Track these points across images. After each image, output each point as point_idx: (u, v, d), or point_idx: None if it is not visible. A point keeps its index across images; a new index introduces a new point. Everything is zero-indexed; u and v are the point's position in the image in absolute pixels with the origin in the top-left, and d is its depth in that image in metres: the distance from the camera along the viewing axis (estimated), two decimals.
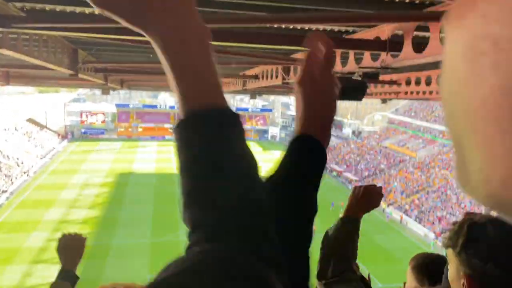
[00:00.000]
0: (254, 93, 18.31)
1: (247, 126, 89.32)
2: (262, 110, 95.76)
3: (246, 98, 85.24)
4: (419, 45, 6.23)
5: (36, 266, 28.35)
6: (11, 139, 60.82)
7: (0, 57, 10.70)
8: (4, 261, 28.91)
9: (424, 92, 15.83)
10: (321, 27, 7.14)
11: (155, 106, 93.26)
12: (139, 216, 38.45)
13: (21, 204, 40.95)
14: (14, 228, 34.64)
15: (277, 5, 5.39)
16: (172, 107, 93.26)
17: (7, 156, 54.34)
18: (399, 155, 59.23)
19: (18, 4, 6.23)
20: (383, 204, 45.76)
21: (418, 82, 12.55)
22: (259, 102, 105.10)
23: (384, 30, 6.44)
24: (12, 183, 47.10)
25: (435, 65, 9.48)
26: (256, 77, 14.25)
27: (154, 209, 40.60)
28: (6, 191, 44.51)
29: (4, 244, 31.53)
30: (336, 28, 7.28)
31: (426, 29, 6.18)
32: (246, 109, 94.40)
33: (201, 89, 0.60)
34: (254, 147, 79.16)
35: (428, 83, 12.21)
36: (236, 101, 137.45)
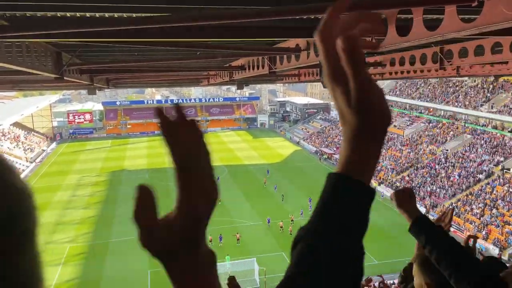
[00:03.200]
0: (241, 83, 18.30)
1: (235, 115, 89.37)
2: (250, 98, 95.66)
3: (233, 87, 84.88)
4: (403, 28, 6.31)
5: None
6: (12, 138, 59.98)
7: None
8: None
9: (408, 72, 16.01)
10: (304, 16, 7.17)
11: (142, 102, 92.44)
12: None
13: None
14: None
15: None
16: (159, 101, 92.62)
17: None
18: (387, 134, 59.77)
19: None
20: (374, 182, 46.37)
21: (402, 63, 12.67)
22: (246, 91, 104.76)
23: None
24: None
25: (418, 45, 9.58)
26: (242, 67, 14.25)
27: None
28: None
29: None
30: (319, 15, 7.32)
31: (409, 11, 6.25)
32: (234, 99, 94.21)
33: None
34: (244, 136, 79.24)
35: (412, 62, 12.35)
36: (222, 91, 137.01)
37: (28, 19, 6.57)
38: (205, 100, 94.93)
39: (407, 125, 59.06)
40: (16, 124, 68.61)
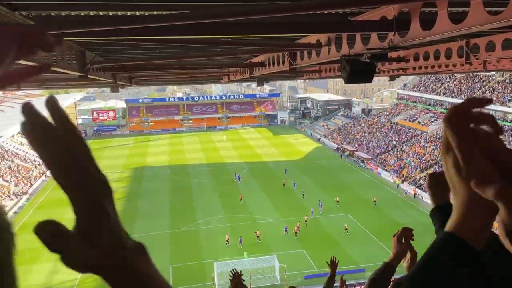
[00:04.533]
0: (261, 80, 18.24)
1: (256, 112, 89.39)
2: (270, 95, 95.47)
3: (253, 84, 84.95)
4: (427, 22, 6.15)
5: (60, 264, 29.11)
6: (27, 142, 61.74)
7: None
8: (30, 260, 29.72)
9: (432, 66, 15.62)
10: (326, 10, 7.08)
11: (164, 99, 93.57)
12: (156, 208, 39.07)
13: (41, 205, 41.86)
14: None
15: None
16: (180, 99, 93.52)
17: (25, 159, 55.32)
18: (411, 130, 58.73)
19: (24, 12, 6.31)
20: (397, 180, 45.65)
21: (426, 57, 12.36)
22: (266, 87, 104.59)
23: (390, 10, 6.37)
24: (31, 185, 48.06)
25: (443, 39, 9.35)
26: (262, 64, 14.20)
27: (170, 200, 41.17)
28: (26, 193, 45.48)
29: (29, 244, 32.30)
30: (340, 10, 7.22)
31: (433, 4, 6.09)
32: (254, 95, 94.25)
33: None
34: (265, 133, 79.19)
35: (436, 57, 12.04)
36: (243, 88, 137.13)
37: (53, 18, 6.72)
38: (226, 97, 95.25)
39: (432, 121, 57.82)
40: None
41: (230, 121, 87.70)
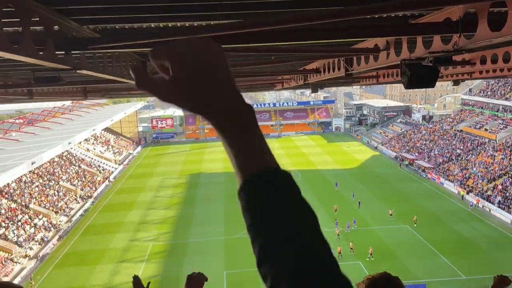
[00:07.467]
0: (315, 87, 18.03)
1: (309, 119, 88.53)
2: (324, 102, 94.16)
3: (307, 91, 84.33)
4: (495, 23, 5.74)
5: (122, 265, 30.51)
6: (92, 149, 65.84)
7: (77, 75, 11.64)
8: (94, 261, 31.46)
9: (501, 70, 14.56)
10: (384, 14, 6.85)
11: None
12: (212, 214, 39.78)
13: (104, 208, 44.27)
14: (100, 231, 37.55)
15: None
16: None
17: (90, 164, 58.96)
18: (477, 138, 55.16)
19: (92, 26, 6.72)
20: (462, 191, 42.98)
21: (494, 60, 11.56)
22: (320, 94, 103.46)
23: (455, 10, 6.02)
24: (96, 189, 51.06)
25: None
26: (317, 70, 14.04)
27: (225, 207, 41.72)
28: (91, 196, 48.37)
29: (93, 246, 34.31)
30: (400, 13, 6.95)
31: (503, 4, 5.67)
32: (308, 103, 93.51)
33: (254, 158, 0.77)
34: (319, 140, 78.18)
35: (506, 60, 11.20)
36: (296, 95, 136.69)
37: (117, 31, 7.10)
38: (279, 104, 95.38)
39: (500, 129, 53.94)
40: (107, 129, 74.82)
41: (283, 128, 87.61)
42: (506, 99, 57.62)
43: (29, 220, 37.80)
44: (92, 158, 61.76)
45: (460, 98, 70.49)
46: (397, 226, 35.05)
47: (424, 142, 62.42)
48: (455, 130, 60.96)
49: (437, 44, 6.69)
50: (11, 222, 36.37)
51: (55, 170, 51.02)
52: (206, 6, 5.86)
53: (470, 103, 65.54)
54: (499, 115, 57.54)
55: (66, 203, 44.16)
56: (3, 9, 4.62)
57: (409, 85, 7.32)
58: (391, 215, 36.68)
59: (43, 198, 42.80)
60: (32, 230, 36.52)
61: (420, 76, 7.08)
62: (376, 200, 41.64)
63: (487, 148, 51.19)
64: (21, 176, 41.80)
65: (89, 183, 52.04)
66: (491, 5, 5.75)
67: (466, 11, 5.95)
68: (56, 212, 41.21)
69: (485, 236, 32.59)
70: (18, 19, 4.79)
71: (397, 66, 7.83)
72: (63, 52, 6.00)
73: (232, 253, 31.10)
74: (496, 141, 51.49)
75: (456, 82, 20.19)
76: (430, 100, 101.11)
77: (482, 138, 54.24)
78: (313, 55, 11.12)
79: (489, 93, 62.39)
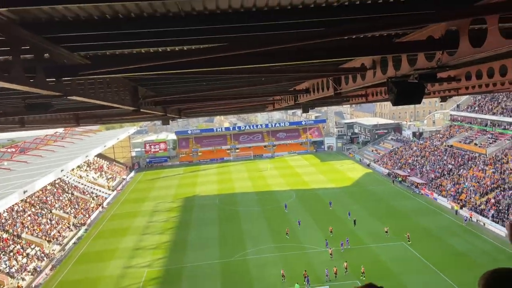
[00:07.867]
0: (306, 107, 18.25)
1: (302, 139, 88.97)
2: (316, 121, 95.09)
3: (299, 111, 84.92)
4: (476, 39, 5.92)
5: None
6: (85, 175, 65.25)
7: (69, 101, 11.70)
8: None
9: (487, 85, 14.89)
10: (369, 34, 7.05)
11: (211, 130, 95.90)
12: (206, 237, 39.35)
13: (98, 235, 43.57)
14: (94, 258, 36.86)
15: (325, 19, 5.43)
16: (227, 129, 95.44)
17: (83, 191, 58.32)
18: (467, 153, 55.70)
19: (82, 53, 6.81)
20: (455, 206, 43.08)
21: (479, 76, 11.83)
22: (312, 114, 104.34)
23: (437, 28, 6.21)
24: (89, 216, 50.37)
25: (496, 56, 8.93)
26: (307, 90, 14.24)
27: (220, 230, 41.33)
28: (84, 224, 47.66)
29: (87, 274, 33.61)
30: (385, 33, 7.14)
31: (483, 21, 5.87)
32: (300, 123, 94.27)
33: None
34: (312, 160, 78.34)
35: (490, 75, 11.48)
36: (288, 115, 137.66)
37: (107, 57, 7.20)
38: (271, 125, 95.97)
39: (490, 143, 54.59)
40: (100, 155, 74.40)
41: (276, 149, 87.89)
42: (494, 113, 58.55)
43: (21, 250, 37.04)
44: (85, 185, 61.14)
45: (449, 114, 71.47)
46: (393, 243, 34.89)
47: (416, 158, 62.84)
48: (445, 146, 61.55)
49: (421, 61, 6.86)
50: (3, 252, 35.61)
51: (48, 198, 50.35)
52: (198, 31, 5.99)
53: (459, 118, 66.45)
54: (487, 130, 58.31)
55: (59, 231, 43.43)
56: None
57: (396, 102, 7.45)
58: (386, 232, 36.52)
59: (35, 227, 42.08)
60: (25, 260, 35.76)
61: (406, 93, 7.22)
62: (371, 218, 41.56)
63: (478, 162, 51.66)
64: (13, 206, 41.16)
65: (82, 210, 51.35)
66: (472, 22, 5.95)
67: (448, 28, 6.14)
68: (49, 241, 40.47)
69: (481, 250, 32.55)
70: (9, 48, 4.85)
71: (384, 84, 7.99)
72: (54, 79, 6.05)
73: (228, 277, 30.65)
74: (486, 155, 52.03)
75: (443, 99, 20.58)
76: (420, 117, 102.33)
77: (472, 153, 54.78)
78: (302, 75, 11.30)
79: (476, 108, 63.39)
